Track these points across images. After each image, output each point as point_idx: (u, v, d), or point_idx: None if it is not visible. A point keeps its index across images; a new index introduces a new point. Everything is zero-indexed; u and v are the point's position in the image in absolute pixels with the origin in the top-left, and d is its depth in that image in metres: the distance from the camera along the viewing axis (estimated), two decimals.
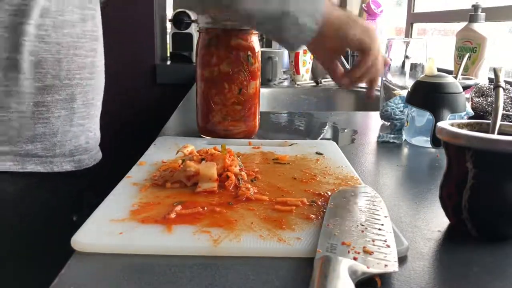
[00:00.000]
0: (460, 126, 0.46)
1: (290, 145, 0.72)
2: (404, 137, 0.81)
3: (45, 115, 0.69)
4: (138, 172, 0.57)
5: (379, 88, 1.01)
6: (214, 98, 0.75)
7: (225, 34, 0.73)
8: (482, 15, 1.15)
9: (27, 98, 0.67)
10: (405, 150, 0.76)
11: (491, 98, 0.81)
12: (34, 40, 0.64)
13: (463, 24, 1.19)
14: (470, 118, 0.80)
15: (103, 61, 0.80)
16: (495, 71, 0.46)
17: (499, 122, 0.45)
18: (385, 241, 0.38)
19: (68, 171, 0.74)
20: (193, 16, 2.10)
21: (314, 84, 1.58)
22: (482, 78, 1.12)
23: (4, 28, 0.62)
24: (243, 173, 0.55)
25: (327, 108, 1.52)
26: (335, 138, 0.85)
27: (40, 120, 0.69)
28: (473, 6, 1.16)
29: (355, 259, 0.35)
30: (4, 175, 0.68)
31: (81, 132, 0.75)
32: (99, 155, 0.82)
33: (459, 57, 1.19)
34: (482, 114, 0.81)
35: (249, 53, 0.74)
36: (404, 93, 0.87)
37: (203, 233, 0.41)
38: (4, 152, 0.67)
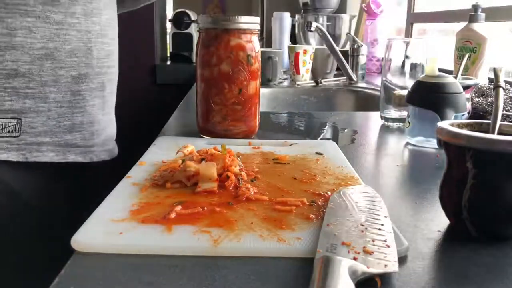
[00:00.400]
0: (460, 126, 0.46)
1: (290, 145, 0.72)
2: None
3: (81, 104, 0.70)
4: (138, 172, 0.57)
5: (379, 88, 1.01)
6: (214, 98, 0.75)
7: (225, 34, 0.73)
8: (482, 15, 1.15)
9: (64, 88, 0.68)
10: (405, 150, 0.76)
11: (491, 98, 0.81)
12: (67, 28, 0.65)
13: (463, 24, 1.19)
14: (470, 118, 0.80)
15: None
16: (495, 71, 0.46)
17: (499, 122, 0.45)
18: (385, 241, 0.38)
19: (103, 161, 0.75)
20: (193, 16, 2.10)
21: (314, 84, 1.58)
22: (482, 78, 1.12)
23: (36, 18, 0.62)
24: (243, 173, 0.55)
25: (327, 108, 1.52)
26: (335, 138, 0.86)
27: (77, 109, 0.70)
28: (473, 6, 1.16)
29: (355, 259, 0.35)
30: (47, 166, 0.68)
31: (110, 121, 0.77)
32: (108, 155, 0.82)
33: (459, 57, 1.19)
34: (482, 114, 0.81)
35: (249, 53, 0.74)
36: (404, 93, 0.87)
37: (203, 233, 0.41)
38: (45, 143, 0.67)
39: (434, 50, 1.70)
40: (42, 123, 0.66)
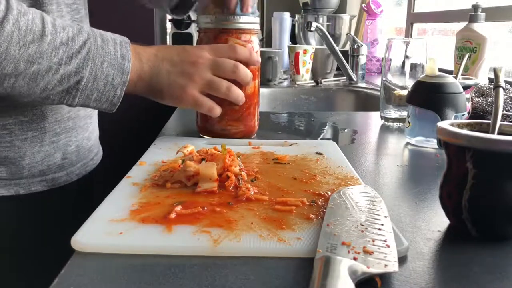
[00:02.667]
0: (460, 126, 0.46)
1: (290, 145, 0.72)
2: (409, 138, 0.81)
3: (7, 139, 0.63)
4: (138, 172, 0.57)
5: (379, 88, 1.01)
6: (212, 97, 0.75)
7: (224, 34, 0.73)
8: (482, 15, 1.15)
9: None
10: (405, 150, 0.76)
11: (491, 98, 0.81)
12: None
13: (463, 24, 1.19)
14: (470, 118, 0.80)
15: None
16: (495, 71, 0.46)
17: (499, 122, 0.45)
18: (385, 241, 0.38)
19: (38, 192, 0.68)
20: (193, 16, 2.10)
21: (314, 84, 1.58)
22: (482, 78, 1.12)
23: None
24: (243, 173, 0.55)
25: (327, 108, 1.52)
26: (335, 138, 0.85)
27: (2, 143, 0.63)
28: (473, 6, 1.16)
29: (355, 259, 0.35)
30: None
31: (55, 149, 0.69)
32: (83, 169, 0.76)
33: (459, 57, 1.19)
34: (482, 114, 0.81)
35: None
36: (404, 93, 0.87)
37: (203, 233, 0.41)
38: None
39: (434, 50, 1.70)
40: None
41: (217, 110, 0.70)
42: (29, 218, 0.69)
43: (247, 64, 0.71)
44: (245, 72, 0.70)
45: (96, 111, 0.81)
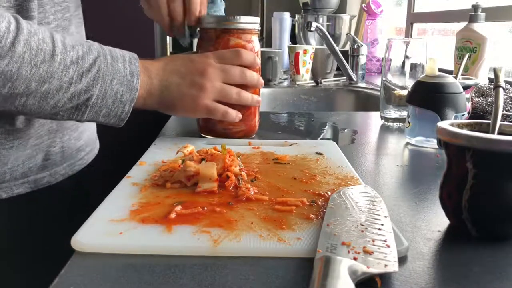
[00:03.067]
0: (460, 126, 0.46)
1: (290, 145, 0.72)
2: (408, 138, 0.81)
3: None
4: (138, 172, 0.57)
5: (379, 88, 1.01)
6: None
7: (225, 34, 0.73)
8: (482, 15, 1.15)
9: None
10: (405, 150, 0.76)
11: (491, 98, 0.81)
12: None
13: (463, 24, 1.19)
14: (470, 118, 0.80)
15: None
16: (495, 71, 0.46)
17: (499, 122, 0.45)
18: (385, 241, 0.38)
19: (22, 194, 0.66)
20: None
21: (314, 84, 1.58)
22: (482, 78, 1.12)
23: None
24: (243, 173, 0.55)
25: (327, 108, 1.52)
26: (335, 138, 0.85)
27: None
28: (473, 6, 1.16)
29: (355, 259, 0.35)
30: None
31: (36, 151, 0.67)
32: (69, 169, 0.74)
33: (459, 57, 1.19)
34: (482, 114, 0.81)
35: None
36: (404, 93, 0.87)
37: (203, 233, 0.41)
38: None
39: (434, 50, 1.70)
40: None
41: (233, 114, 0.72)
42: (17, 220, 0.68)
43: (250, 67, 0.73)
44: (252, 76, 0.72)
45: None
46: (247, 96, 0.72)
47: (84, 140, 0.79)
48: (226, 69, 0.69)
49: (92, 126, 0.84)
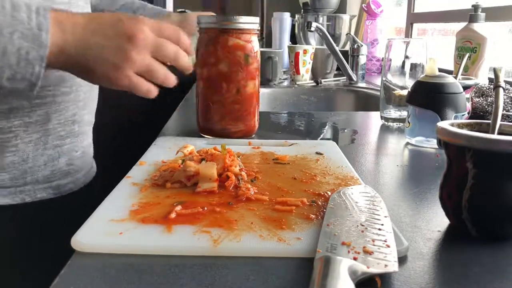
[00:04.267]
0: (460, 126, 0.46)
1: (290, 145, 0.72)
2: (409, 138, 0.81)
3: (13, 142, 0.61)
4: (138, 172, 0.57)
5: (379, 88, 1.01)
6: (212, 97, 0.75)
7: (224, 34, 0.73)
8: (482, 15, 1.15)
9: None
10: (405, 150, 0.76)
11: (491, 98, 0.81)
12: None
13: (463, 24, 1.19)
14: (470, 118, 0.80)
15: None
16: (495, 71, 0.46)
17: (499, 122, 0.45)
18: (385, 241, 0.38)
19: (44, 199, 0.66)
20: None
21: (314, 84, 1.58)
22: (482, 78, 1.12)
23: None
24: (243, 173, 0.55)
25: (327, 108, 1.52)
26: (335, 138, 0.85)
27: (8, 148, 0.61)
28: (473, 6, 1.16)
29: (355, 259, 0.35)
30: None
31: (59, 154, 0.67)
32: (88, 176, 0.74)
33: (459, 57, 1.19)
34: (482, 114, 0.81)
35: (247, 53, 0.74)
36: (404, 93, 0.87)
37: (203, 233, 0.41)
38: None
39: (434, 50, 1.70)
40: None
41: (155, 92, 0.60)
42: (35, 225, 0.68)
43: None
44: (184, 60, 0.61)
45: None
46: (173, 80, 0.61)
47: (93, 147, 0.79)
48: (160, 43, 0.57)
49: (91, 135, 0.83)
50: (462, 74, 0.98)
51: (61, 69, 0.56)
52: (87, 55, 0.54)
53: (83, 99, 0.70)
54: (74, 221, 0.72)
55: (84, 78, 0.58)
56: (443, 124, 0.44)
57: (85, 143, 0.73)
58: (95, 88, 0.75)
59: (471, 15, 1.16)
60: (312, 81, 1.60)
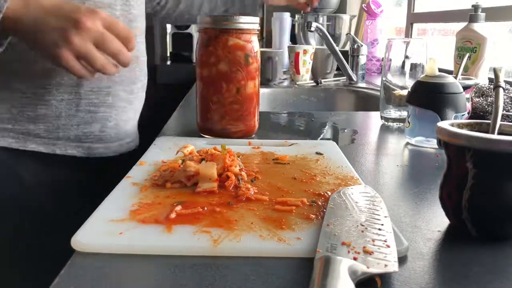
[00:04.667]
0: (460, 126, 0.46)
1: (290, 145, 0.72)
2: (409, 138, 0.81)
3: (46, 98, 0.70)
4: (138, 172, 0.57)
5: (379, 88, 1.01)
6: (212, 97, 0.75)
7: (223, 34, 0.73)
8: (482, 15, 1.15)
9: (28, 80, 0.68)
10: (405, 150, 0.76)
11: (491, 98, 0.81)
12: None
13: (463, 24, 1.19)
14: (470, 118, 0.80)
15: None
16: (495, 71, 0.46)
17: (499, 122, 0.45)
18: (385, 241, 0.38)
19: (74, 156, 0.74)
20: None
21: (314, 84, 1.58)
22: (482, 78, 1.12)
23: None
24: (243, 173, 0.55)
25: (327, 108, 1.52)
26: (335, 138, 0.85)
27: (41, 101, 0.70)
28: (473, 6, 1.16)
29: (355, 259, 0.35)
30: (8, 152, 0.70)
31: (92, 119, 0.75)
32: (123, 147, 0.82)
33: (459, 57, 1.19)
34: (482, 114, 0.81)
35: (247, 53, 0.74)
36: (404, 93, 0.87)
37: (203, 233, 0.41)
38: (6, 129, 0.70)
39: (434, 50, 1.70)
40: (5, 111, 0.69)
41: (90, 77, 0.64)
42: (62, 180, 0.75)
43: (121, 54, 0.65)
44: (125, 59, 0.65)
45: (137, 101, 0.84)
46: (109, 71, 0.64)
47: (130, 126, 0.84)
48: (105, 37, 0.61)
49: (135, 118, 0.87)
50: (462, 74, 0.98)
51: (12, 33, 0.61)
52: (36, 28, 0.59)
53: (119, 76, 0.76)
54: (100, 182, 0.76)
55: (31, 48, 0.63)
56: (443, 124, 0.44)
57: (119, 117, 0.79)
58: (134, 69, 0.80)
59: (471, 15, 1.16)
60: (312, 81, 1.60)
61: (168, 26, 2.23)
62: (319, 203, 0.48)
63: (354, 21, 2.12)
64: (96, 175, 0.78)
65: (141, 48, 0.83)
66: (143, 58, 0.84)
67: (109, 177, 0.79)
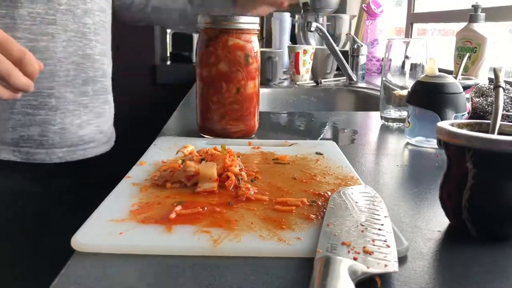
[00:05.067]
0: (460, 126, 0.46)
1: (290, 145, 0.72)
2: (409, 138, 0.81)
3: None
4: (138, 172, 0.57)
5: (379, 88, 1.01)
6: (212, 97, 0.75)
7: (223, 34, 0.73)
8: (482, 15, 1.15)
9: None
10: (405, 150, 0.76)
11: (491, 98, 0.81)
12: None
13: (463, 24, 1.19)
14: (470, 118, 0.80)
15: (69, 49, 0.71)
16: (495, 71, 0.46)
17: (499, 122, 0.45)
18: (385, 241, 0.38)
19: (9, 160, 0.69)
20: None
21: (314, 84, 1.58)
22: (482, 78, 1.12)
23: None
24: (243, 173, 0.55)
25: (327, 108, 1.52)
26: (335, 138, 0.85)
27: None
28: (473, 6, 1.16)
29: (355, 259, 0.35)
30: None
31: (31, 122, 0.69)
32: (76, 154, 0.76)
33: (459, 57, 1.19)
34: (482, 114, 0.81)
35: (247, 53, 0.74)
36: (404, 93, 0.87)
37: (203, 233, 0.41)
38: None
39: (434, 50, 1.70)
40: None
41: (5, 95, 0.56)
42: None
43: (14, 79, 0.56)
44: (22, 82, 0.55)
45: (99, 104, 0.80)
46: (2, 95, 0.56)
47: (87, 132, 0.79)
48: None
49: (101, 124, 0.83)
50: (462, 74, 0.98)
51: None
52: None
53: (64, 76, 0.72)
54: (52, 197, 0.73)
55: None
56: (443, 124, 0.44)
57: (67, 120, 0.73)
58: (84, 69, 0.75)
59: (471, 15, 1.16)
60: (312, 81, 1.60)
61: None
62: (319, 203, 0.48)
63: (354, 21, 2.12)
64: (41, 183, 0.73)
65: (95, 45, 0.76)
66: (98, 57, 0.78)
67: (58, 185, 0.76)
